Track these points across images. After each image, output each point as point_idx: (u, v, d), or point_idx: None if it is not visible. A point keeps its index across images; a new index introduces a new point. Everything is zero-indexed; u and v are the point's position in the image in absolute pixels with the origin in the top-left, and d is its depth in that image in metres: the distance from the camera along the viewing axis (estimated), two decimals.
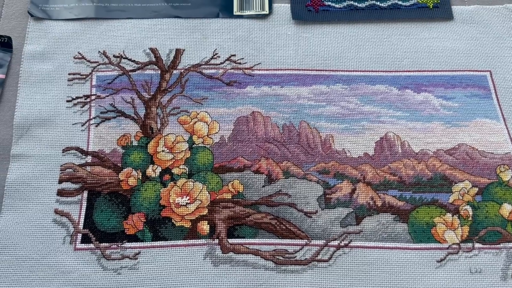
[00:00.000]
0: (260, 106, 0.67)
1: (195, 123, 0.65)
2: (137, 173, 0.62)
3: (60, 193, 0.61)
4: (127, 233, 0.59)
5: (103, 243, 0.58)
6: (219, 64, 0.69)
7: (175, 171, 0.62)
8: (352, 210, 0.61)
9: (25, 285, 0.56)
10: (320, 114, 0.66)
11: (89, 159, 0.63)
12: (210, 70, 0.69)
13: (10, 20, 0.72)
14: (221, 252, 0.58)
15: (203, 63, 0.69)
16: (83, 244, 0.58)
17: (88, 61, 0.69)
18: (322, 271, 0.57)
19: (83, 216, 0.60)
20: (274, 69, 0.69)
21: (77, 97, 0.66)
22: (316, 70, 0.69)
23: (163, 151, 0.64)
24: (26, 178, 0.61)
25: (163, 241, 0.59)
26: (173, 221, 0.60)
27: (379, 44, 0.71)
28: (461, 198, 0.61)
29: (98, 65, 0.69)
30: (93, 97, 0.66)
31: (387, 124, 0.66)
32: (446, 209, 0.61)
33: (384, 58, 0.70)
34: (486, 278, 0.57)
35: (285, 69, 0.69)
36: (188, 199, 0.61)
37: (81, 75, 0.68)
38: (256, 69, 0.69)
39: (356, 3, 0.74)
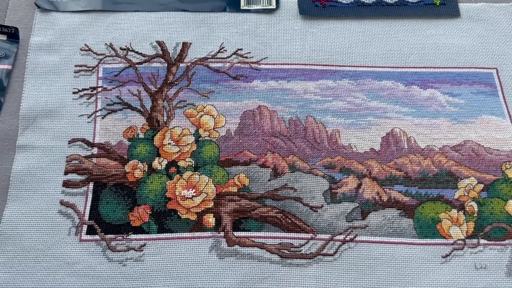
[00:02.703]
0: (266, 100, 0.67)
1: (201, 116, 0.65)
2: (143, 166, 0.62)
3: (66, 184, 0.61)
4: (132, 225, 0.59)
5: (109, 235, 0.58)
6: (226, 58, 0.69)
7: (181, 163, 0.62)
8: (357, 204, 0.61)
9: (30, 275, 0.56)
10: (326, 109, 0.66)
11: (95, 150, 0.63)
12: (216, 63, 0.69)
13: (17, 11, 0.72)
14: (226, 245, 0.58)
15: (210, 56, 0.69)
16: (88, 236, 0.58)
17: (95, 53, 0.69)
18: (327, 265, 0.57)
19: (89, 208, 0.60)
20: (281, 64, 0.69)
21: (84, 89, 0.66)
22: (323, 65, 0.69)
23: (169, 143, 0.63)
24: (32, 169, 0.61)
25: (168, 233, 0.59)
26: (179, 213, 0.60)
27: (386, 40, 0.71)
28: (466, 194, 0.61)
29: (104, 57, 0.69)
30: (99, 89, 0.66)
31: (394, 120, 0.66)
32: (451, 205, 0.61)
33: (391, 54, 0.70)
34: (491, 274, 0.57)
35: (291, 64, 0.69)
36: (194, 192, 0.61)
37: (88, 67, 0.68)
38: (262, 64, 0.69)
39: None
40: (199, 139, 0.64)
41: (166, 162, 0.62)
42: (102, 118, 0.65)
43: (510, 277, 0.57)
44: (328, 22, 0.73)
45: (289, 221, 0.59)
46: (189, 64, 0.69)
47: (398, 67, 0.69)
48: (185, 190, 0.61)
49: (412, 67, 0.69)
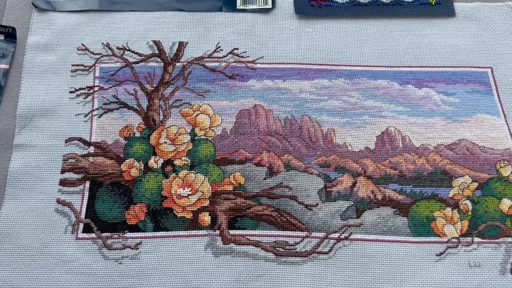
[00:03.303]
0: (262, 99, 0.67)
1: (197, 115, 0.66)
2: (139, 164, 0.62)
3: (63, 183, 0.61)
4: (128, 223, 0.59)
5: (105, 233, 0.59)
6: (222, 57, 0.70)
7: (177, 162, 0.63)
8: (352, 203, 0.61)
9: (27, 273, 0.56)
10: (321, 108, 0.67)
11: (91, 149, 0.63)
12: (212, 63, 0.69)
13: (14, 11, 0.72)
14: (222, 243, 0.58)
15: (206, 56, 0.70)
16: (84, 234, 0.59)
17: (92, 52, 0.69)
18: (322, 263, 0.58)
19: (85, 206, 0.60)
20: (277, 63, 0.69)
21: (80, 88, 0.67)
22: (319, 65, 0.69)
23: (165, 142, 0.64)
24: (29, 168, 0.62)
25: (164, 232, 0.59)
26: (174, 212, 0.60)
27: (381, 39, 0.72)
28: (461, 192, 0.62)
29: (101, 57, 0.69)
30: (96, 89, 0.67)
31: (388, 119, 0.66)
32: (446, 204, 0.61)
33: (386, 53, 0.71)
34: (484, 272, 0.57)
35: (287, 63, 0.69)
36: (190, 191, 0.61)
37: (85, 67, 0.68)
38: (258, 63, 0.69)
39: None
40: (195, 138, 0.65)
41: (162, 161, 0.63)
42: (99, 117, 0.65)
43: (503, 275, 0.57)
44: (323, 21, 0.73)
45: (284, 219, 0.60)
46: (185, 63, 0.69)
47: (393, 66, 0.70)
48: (181, 188, 0.61)
49: (407, 66, 0.70)
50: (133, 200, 0.60)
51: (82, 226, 0.59)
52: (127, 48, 0.70)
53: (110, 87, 0.67)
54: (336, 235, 0.59)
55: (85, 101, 0.66)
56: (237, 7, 0.73)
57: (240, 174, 0.62)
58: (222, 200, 0.61)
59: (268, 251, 0.58)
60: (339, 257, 0.58)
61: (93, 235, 0.58)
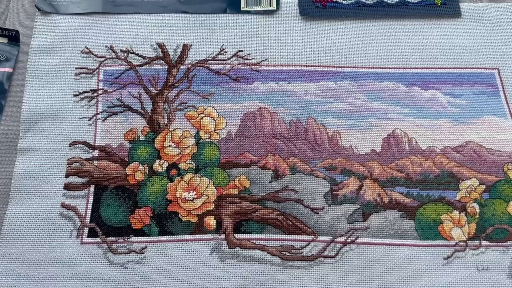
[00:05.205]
0: (267, 102, 0.67)
1: (202, 118, 0.65)
2: (144, 168, 0.62)
3: (67, 187, 0.61)
4: (133, 227, 0.59)
5: (110, 237, 0.58)
6: (226, 60, 0.69)
7: (182, 166, 0.62)
8: (359, 206, 0.60)
9: (31, 278, 0.56)
10: (327, 110, 0.66)
11: (96, 153, 0.63)
12: (217, 65, 0.69)
13: (17, 14, 0.72)
14: (227, 247, 0.58)
15: (210, 58, 0.69)
16: (89, 238, 0.58)
17: (95, 55, 0.69)
18: (329, 267, 0.57)
19: (90, 210, 0.60)
20: (281, 65, 0.69)
21: (84, 92, 0.66)
22: (324, 66, 0.69)
23: (170, 146, 0.64)
24: (33, 172, 0.61)
25: (169, 236, 0.59)
26: (179, 216, 0.60)
27: (386, 40, 0.71)
28: (468, 195, 0.61)
29: (105, 60, 0.69)
30: (100, 92, 0.66)
31: (395, 121, 0.66)
32: (453, 206, 0.61)
33: (392, 54, 0.70)
34: (493, 276, 0.57)
35: (292, 65, 0.69)
36: (195, 194, 0.61)
37: (88, 70, 0.68)
38: (263, 65, 0.69)
39: (364, 0, 0.73)
40: (200, 141, 0.64)
41: (167, 164, 0.62)
42: (103, 120, 0.65)
43: None
44: (328, 23, 0.72)
45: (290, 223, 0.59)
46: (189, 66, 0.69)
47: (399, 68, 0.69)
48: (186, 192, 0.61)
49: (413, 68, 0.69)
50: (138, 204, 0.60)
51: (87, 230, 0.59)
52: (131, 51, 0.69)
53: (114, 90, 0.67)
54: (342, 239, 0.59)
55: (89, 104, 0.66)
56: (241, 9, 0.73)
57: (245, 177, 0.62)
58: (227, 204, 0.60)
59: (274, 255, 0.58)
60: (346, 261, 0.57)
61: (98, 239, 0.58)
